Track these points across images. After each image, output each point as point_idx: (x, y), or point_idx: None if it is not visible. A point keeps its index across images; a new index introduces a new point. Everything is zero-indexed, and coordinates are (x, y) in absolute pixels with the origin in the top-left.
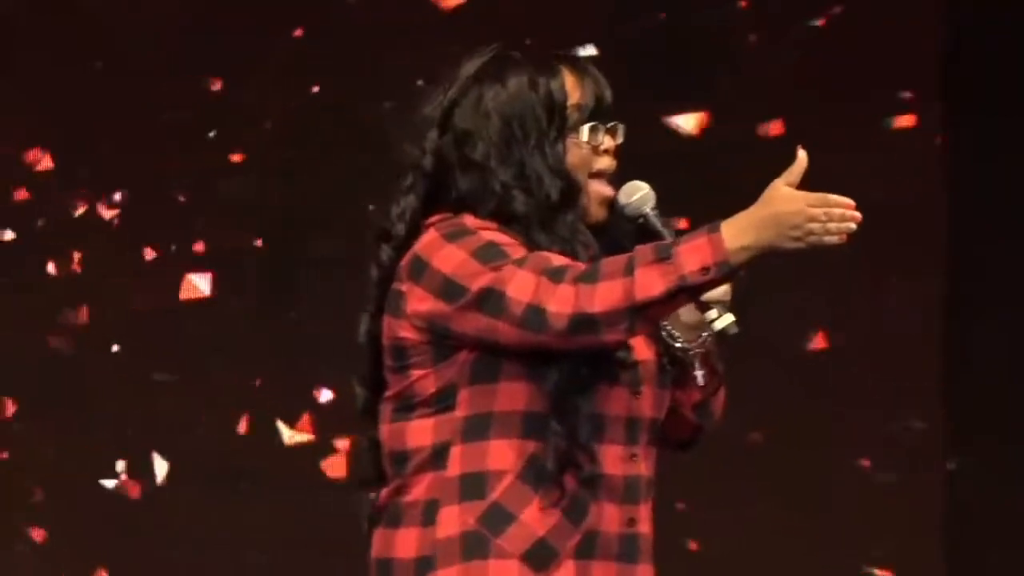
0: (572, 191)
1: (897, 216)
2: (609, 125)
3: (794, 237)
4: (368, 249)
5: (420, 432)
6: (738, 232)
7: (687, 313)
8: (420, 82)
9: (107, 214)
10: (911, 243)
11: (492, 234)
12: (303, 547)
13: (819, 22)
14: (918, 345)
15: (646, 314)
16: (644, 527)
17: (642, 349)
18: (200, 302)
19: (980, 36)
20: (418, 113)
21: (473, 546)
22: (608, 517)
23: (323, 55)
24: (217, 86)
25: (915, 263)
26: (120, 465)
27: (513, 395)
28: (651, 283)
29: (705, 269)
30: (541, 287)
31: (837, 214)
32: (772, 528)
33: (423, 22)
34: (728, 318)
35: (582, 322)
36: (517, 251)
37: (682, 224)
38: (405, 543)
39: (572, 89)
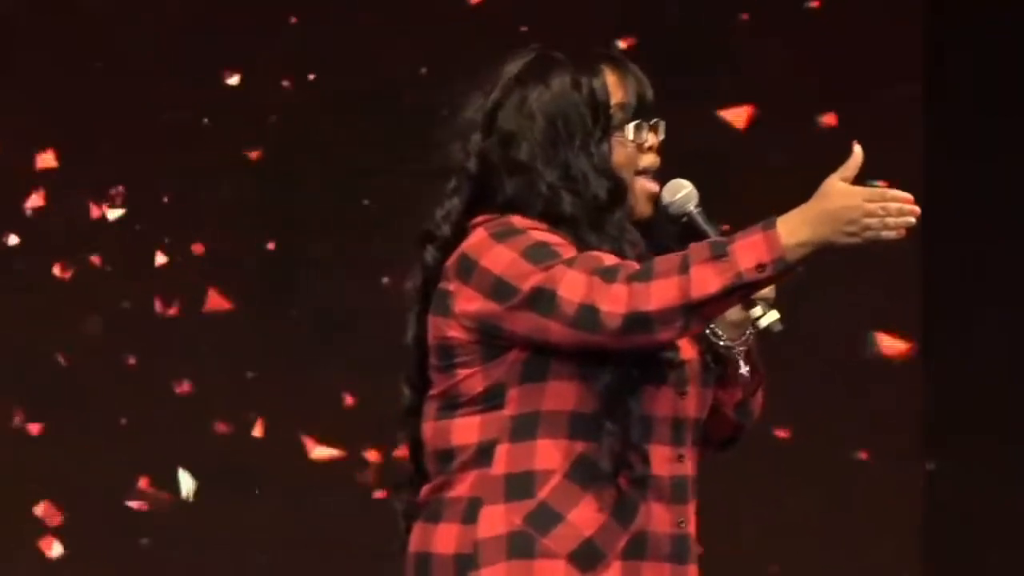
0: (619, 190)
1: None
2: (652, 122)
3: (850, 232)
4: (372, 251)
5: (466, 429)
6: (794, 228)
7: (732, 310)
8: (423, 69)
9: (110, 215)
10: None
11: (542, 234)
12: (303, 547)
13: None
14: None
15: (701, 312)
16: (691, 527)
17: (687, 348)
18: (202, 303)
19: (965, 32)
20: (461, 116)
21: (519, 545)
22: (658, 518)
23: (324, 55)
24: (221, 83)
25: (893, 259)
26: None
27: (562, 395)
28: (707, 281)
29: (761, 266)
30: (594, 286)
31: (895, 208)
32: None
33: (424, 19)
34: (773, 315)
35: (636, 321)
36: (568, 251)
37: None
38: (445, 538)
39: (615, 88)
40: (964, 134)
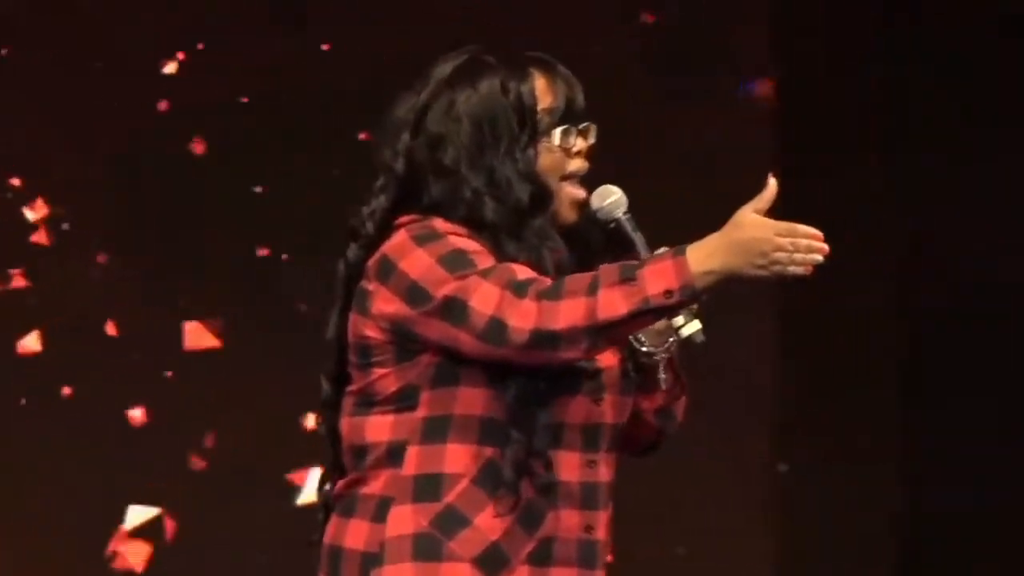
0: (542, 196)
1: None
2: (581, 127)
3: (759, 265)
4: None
5: (379, 428)
6: (704, 257)
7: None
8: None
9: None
10: None
11: (461, 241)
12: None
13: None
14: (752, 354)
15: (607, 334)
16: (601, 534)
17: (606, 356)
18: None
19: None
20: (393, 115)
21: (425, 547)
22: (566, 523)
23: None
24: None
25: None
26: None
27: (473, 400)
28: (614, 304)
29: (669, 292)
30: (504, 300)
31: (804, 245)
32: None
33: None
34: (695, 325)
35: (542, 338)
36: (484, 260)
37: None
38: (355, 534)
39: (543, 93)
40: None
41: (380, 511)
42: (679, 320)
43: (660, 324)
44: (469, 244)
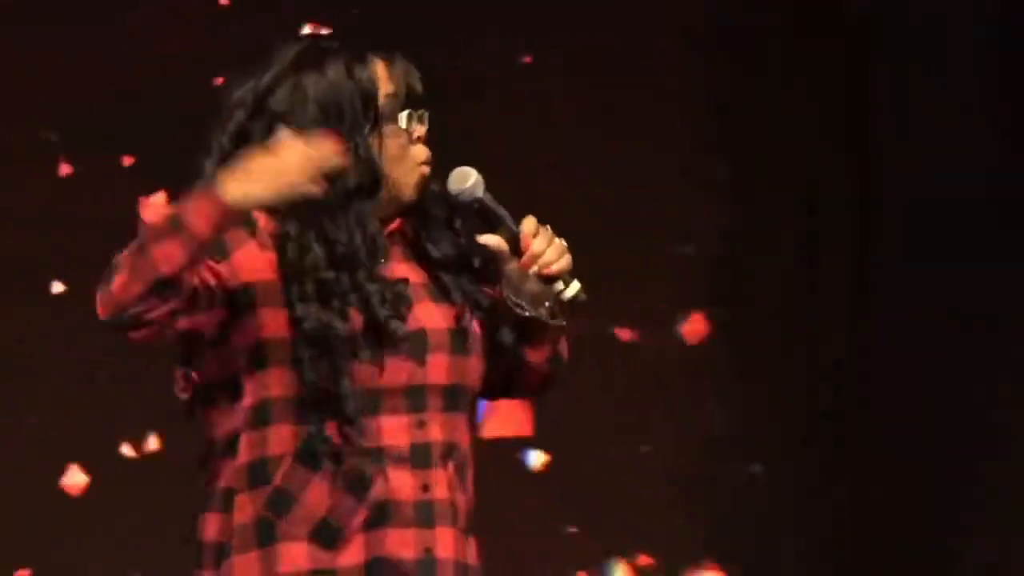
0: (373, 179)
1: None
2: (419, 113)
3: (292, 182)
4: None
5: (218, 421)
6: (238, 183)
7: (532, 283)
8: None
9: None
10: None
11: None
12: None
13: None
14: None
15: (180, 281)
16: (440, 492)
17: (431, 319)
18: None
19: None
20: (228, 95)
21: (264, 531)
22: (398, 485)
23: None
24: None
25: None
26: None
27: (283, 381)
28: (172, 255)
29: (212, 224)
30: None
31: (316, 155)
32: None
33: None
34: (575, 286)
35: (120, 322)
36: None
37: None
38: (210, 526)
39: (384, 79)
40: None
41: (227, 502)
42: (559, 285)
43: (538, 289)
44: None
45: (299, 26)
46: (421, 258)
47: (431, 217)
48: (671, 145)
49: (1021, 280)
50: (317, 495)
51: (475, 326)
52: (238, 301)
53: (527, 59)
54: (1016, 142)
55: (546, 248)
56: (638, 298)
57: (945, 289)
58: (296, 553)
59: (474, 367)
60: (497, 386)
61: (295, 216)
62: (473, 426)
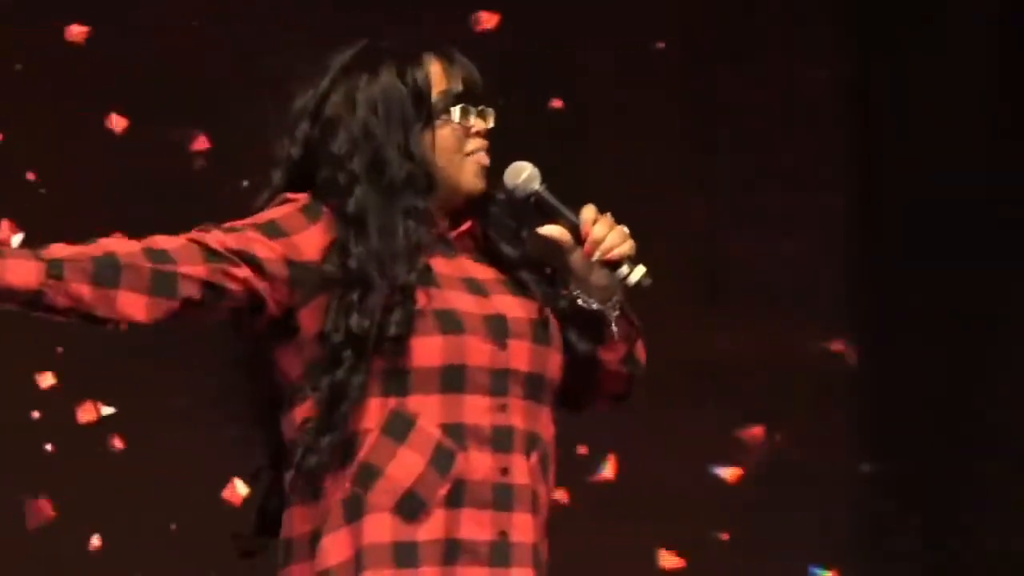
0: (421, 175)
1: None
2: (479, 109)
3: None
4: None
5: (298, 416)
6: None
7: (597, 273)
8: None
9: None
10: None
11: (265, 216)
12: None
13: None
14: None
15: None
16: (520, 479)
17: (511, 308)
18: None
19: None
20: (291, 108)
21: (352, 506)
22: (477, 465)
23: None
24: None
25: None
26: None
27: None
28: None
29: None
30: None
31: None
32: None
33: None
34: (640, 270)
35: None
36: (223, 236)
37: None
38: (297, 519)
39: (439, 77)
40: None
41: (314, 489)
42: (624, 270)
43: (605, 280)
44: (255, 220)
45: None
46: (495, 260)
47: (497, 221)
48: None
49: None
50: (403, 467)
51: (554, 321)
52: (303, 279)
53: None
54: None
55: (607, 233)
56: None
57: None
58: (380, 524)
59: (555, 359)
60: (578, 395)
61: (344, 210)
62: (555, 421)
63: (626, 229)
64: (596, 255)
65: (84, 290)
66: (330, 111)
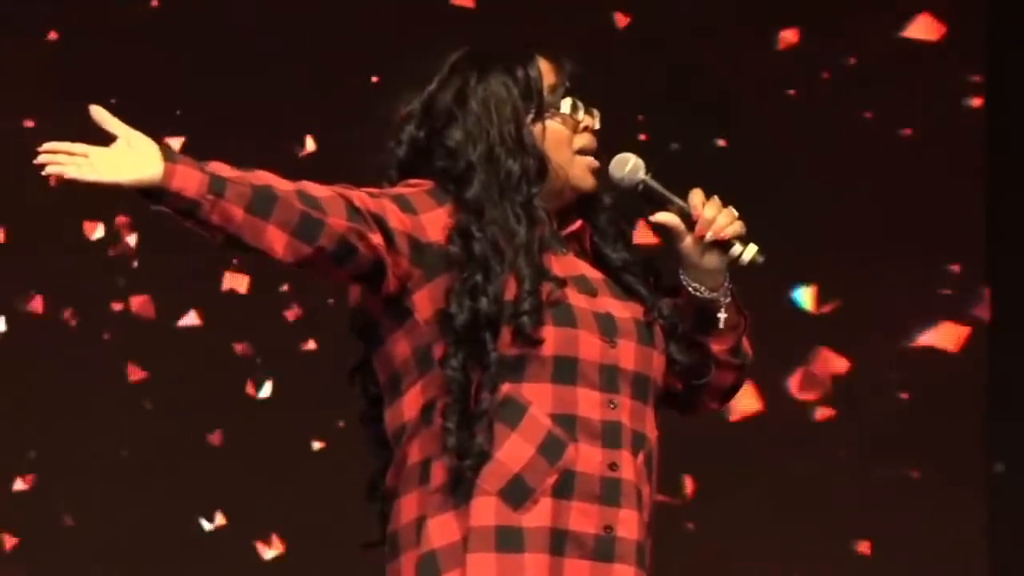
0: (536, 167)
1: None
2: (587, 106)
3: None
4: None
5: (411, 400)
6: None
7: (710, 256)
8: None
9: None
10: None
11: (396, 190)
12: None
13: None
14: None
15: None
16: (628, 474)
17: (617, 309)
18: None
19: None
20: (398, 112)
21: (461, 490)
22: (587, 458)
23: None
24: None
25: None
26: None
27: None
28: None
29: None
30: None
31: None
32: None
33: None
34: (752, 249)
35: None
36: (390, 205)
37: None
38: (407, 508)
39: (548, 72)
40: None
41: (423, 475)
42: (736, 249)
43: (715, 263)
44: (415, 196)
45: None
46: (599, 262)
47: (604, 224)
48: None
49: None
50: (512, 453)
51: (658, 326)
52: (425, 260)
53: None
54: None
55: (717, 214)
56: None
57: None
58: (485, 507)
59: (659, 361)
60: (690, 395)
61: (464, 197)
62: (658, 424)
63: (734, 210)
64: (709, 235)
65: (238, 213)
66: (441, 108)
